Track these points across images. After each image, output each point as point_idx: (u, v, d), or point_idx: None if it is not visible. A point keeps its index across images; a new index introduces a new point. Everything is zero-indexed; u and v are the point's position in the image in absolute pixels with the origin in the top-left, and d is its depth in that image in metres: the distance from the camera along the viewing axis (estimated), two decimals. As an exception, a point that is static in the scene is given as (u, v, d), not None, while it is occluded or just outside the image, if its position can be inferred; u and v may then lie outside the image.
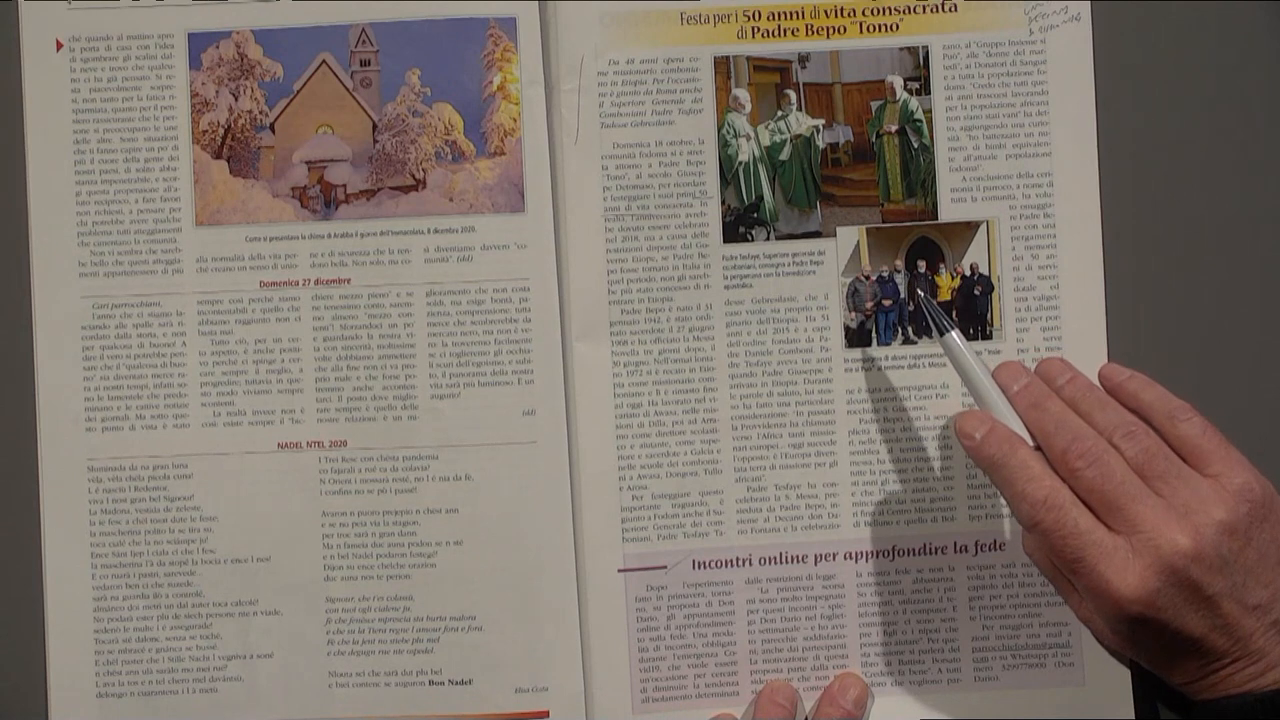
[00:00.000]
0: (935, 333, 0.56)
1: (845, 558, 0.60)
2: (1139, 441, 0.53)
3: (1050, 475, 0.52)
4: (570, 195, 0.60)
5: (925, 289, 0.60)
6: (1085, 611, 0.54)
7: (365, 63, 0.61)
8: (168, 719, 0.60)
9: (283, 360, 0.60)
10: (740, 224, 0.60)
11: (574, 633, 0.60)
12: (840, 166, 0.61)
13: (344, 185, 0.61)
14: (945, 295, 0.61)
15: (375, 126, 0.61)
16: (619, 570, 0.60)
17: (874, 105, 0.61)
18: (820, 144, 0.61)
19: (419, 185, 0.61)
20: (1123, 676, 0.60)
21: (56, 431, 0.60)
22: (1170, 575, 0.50)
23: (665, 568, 0.60)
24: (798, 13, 0.60)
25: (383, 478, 0.60)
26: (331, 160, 0.61)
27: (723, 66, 0.60)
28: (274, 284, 0.60)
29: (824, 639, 0.60)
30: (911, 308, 0.60)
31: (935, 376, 0.60)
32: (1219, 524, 0.50)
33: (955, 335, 0.56)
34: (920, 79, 0.60)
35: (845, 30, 0.61)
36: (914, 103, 0.60)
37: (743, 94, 0.61)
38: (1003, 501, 0.60)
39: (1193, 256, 0.61)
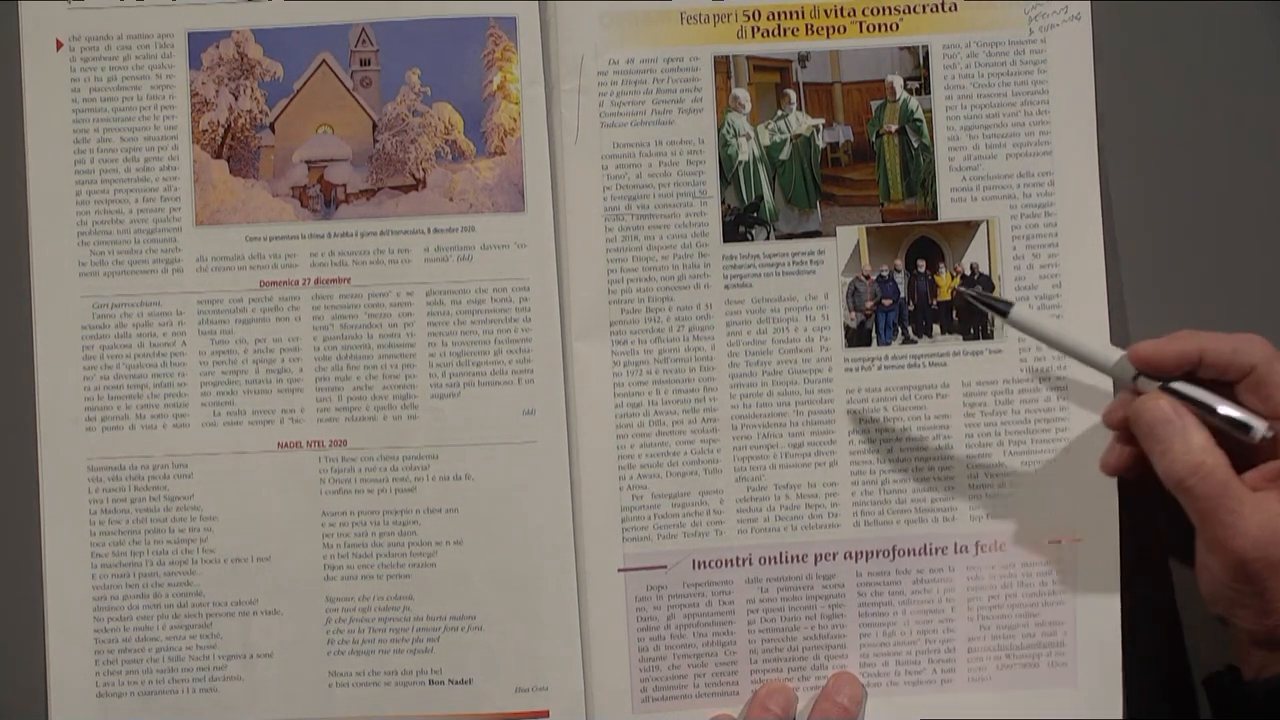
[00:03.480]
0: (996, 316, 0.56)
1: (845, 557, 0.60)
2: None
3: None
4: (570, 195, 0.60)
5: (925, 288, 0.60)
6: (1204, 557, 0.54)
7: (365, 62, 0.61)
8: (168, 719, 0.60)
9: (282, 360, 0.60)
10: (740, 223, 0.60)
11: (574, 632, 0.60)
12: (840, 166, 0.61)
13: (344, 185, 0.61)
14: (945, 295, 0.61)
15: (375, 126, 0.61)
16: (619, 570, 0.60)
17: (874, 105, 0.61)
18: (820, 143, 0.61)
19: (419, 185, 0.61)
20: (1113, 678, 0.60)
21: (56, 431, 0.60)
22: None
23: (665, 567, 0.60)
24: (798, 12, 0.60)
25: (382, 477, 0.60)
26: (331, 160, 0.61)
27: (723, 66, 0.60)
28: (274, 283, 0.60)
29: (824, 639, 0.60)
30: (911, 306, 0.60)
31: (935, 376, 0.60)
32: None
33: (1022, 307, 0.56)
34: (920, 78, 0.60)
35: (845, 30, 0.61)
36: (914, 102, 0.60)
37: (743, 94, 0.60)
38: (1003, 502, 0.60)
39: (1193, 255, 0.61)
